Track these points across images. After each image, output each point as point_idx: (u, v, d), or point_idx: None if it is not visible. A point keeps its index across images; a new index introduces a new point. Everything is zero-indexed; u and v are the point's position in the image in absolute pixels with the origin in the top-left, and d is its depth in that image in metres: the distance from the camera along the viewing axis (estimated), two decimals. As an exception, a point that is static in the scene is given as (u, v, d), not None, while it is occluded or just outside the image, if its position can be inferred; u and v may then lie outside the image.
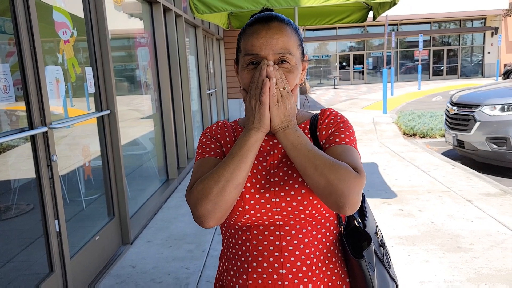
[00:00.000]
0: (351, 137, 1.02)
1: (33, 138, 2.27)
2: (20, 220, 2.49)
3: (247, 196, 0.97)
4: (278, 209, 0.97)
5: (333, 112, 1.07)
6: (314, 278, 0.99)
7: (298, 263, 0.98)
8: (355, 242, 1.04)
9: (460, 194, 4.38)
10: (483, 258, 2.96)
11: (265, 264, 0.98)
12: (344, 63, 28.53)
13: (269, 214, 0.97)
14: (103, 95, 3.19)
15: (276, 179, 0.99)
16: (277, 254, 0.97)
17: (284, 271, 0.97)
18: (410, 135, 8.05)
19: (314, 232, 1.00)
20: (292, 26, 1.00)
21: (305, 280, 0.98)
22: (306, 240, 0.99)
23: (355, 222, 1.06)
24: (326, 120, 1.05)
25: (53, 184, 2.39)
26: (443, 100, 14.40)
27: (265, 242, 0.98)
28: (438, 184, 4.78)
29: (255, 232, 0.99)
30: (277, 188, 0.98)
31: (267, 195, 0.97)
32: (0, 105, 2.13)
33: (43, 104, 2.31)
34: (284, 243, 0.97)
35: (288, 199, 0.96)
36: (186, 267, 2.99)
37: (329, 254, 1.03)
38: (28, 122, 2.26)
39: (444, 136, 7.79)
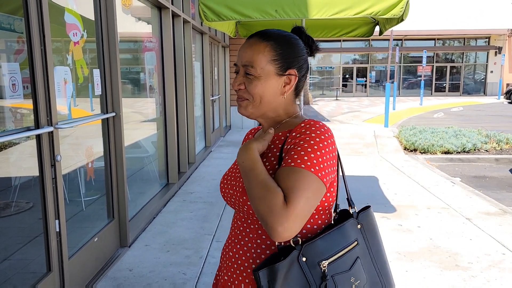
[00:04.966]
0: (306, 158, 0.96)
1: (38, 137, 2.29)
2: (19, 218, 2.49)
3: (221, 185, 1.17)
4: (233, 200, 1.10)
5: (307, 126, 1.03)
6: (249, 270, 1.07)
7: (245, 248, 1.09)
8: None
9: (460, 211, 4.38)
10: (481, 277, 2.95)
11: (232, 238, 1.14)
12: (347, 75, 28.65)
13: (231, 203, 1.12)
14: (109, 97, 3.21)
15: (238, 174, 1.12)
16: (240, 237, 1.11)
17: (231, 254, 1.12)
18: (411, 150, 8.07)
19: (260, 232, 1.07)
20: (272, 42, 1.08)
21: (237, 272, 1.08)
22: (255, 235, 1.07)
23: (291, 241, 0.99)
24: (294, 134, 1.04)
25: (55, 183, 2.40)
26: (445, 117, 14.45)
27: (236, 224, 1.14)
28: (437, 200, 4.78)
29: (235, 214, 1.17)
30: (234, 183, 1.11)
31: (229, 187, 1.13)
32: (8, 102, 2.15)
33: (50, 104, 2.33)
34: (241, 228, 1.11)
35: (238, 194, 1.08)
36: (183, 273, 2.99)
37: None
38: (34, 121, 2.27)
39: (445, 153, 7.81)
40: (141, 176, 4.50)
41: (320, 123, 1.04)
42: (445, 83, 28.36)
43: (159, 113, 4.90)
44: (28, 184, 2.46)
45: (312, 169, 0.95)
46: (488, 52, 27.69)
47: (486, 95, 27.60)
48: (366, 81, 28.48)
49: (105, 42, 3.14)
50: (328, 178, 0.99)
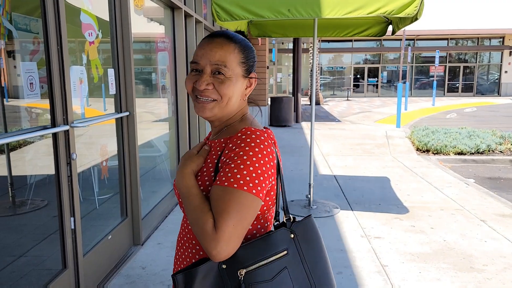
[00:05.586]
0: (239, 176, 0.97)
1: (55, 136, 2.32)
2: (34, 215, 2.52)
3: (174, 185, 1.16)
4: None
5: (242, 137, 1.02)
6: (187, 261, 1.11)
7: (184, 247, 1.12)
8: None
9: (474, 213, 4.32)
10: (496, 280, 2.91)
11: (178, 237, 1.17)
12: (358, 76, 28.49)
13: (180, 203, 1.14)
14: (123, 97, 3.24)
15: None
16: (182, 235, 1.14)
17: (178, 248, 1.15)
18: (423, 151, 7.99)
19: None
20: (239, 45, 1.09)
21: (186, 261, 1.11)
22: (191, 236, 1.09)
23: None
24: (230, 145, 1.03)
25: (71, 182, 2.43)
26: (458, 118, 14.27)
27: (182, 221, 1.16)
28: (451, 202, 4.72)
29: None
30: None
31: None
32: (26, 101, 2.18)
33: (67, 103, 2.36)
34: (183, 227, 1.14)
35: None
36: (196, 272, 3.00)
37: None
38: (51, 119, 2.31)
39: (458, 153, 7.72)
40: (153, 175, 4.53)
41: (257, 132, 1.03)
42: (458, 83, 28.02)
43: (171, 112, 4.93)
44: (43, 182, 2.50)
45: (245, 187, 0.95)
46: (502, 52, 27.29)
47: (500, 96, 27.20)
48: (377, 81, 28.28)
49: (119, 42, 3.17)
50: (264, 191, 1.00)
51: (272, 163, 1.02)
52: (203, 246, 0.94)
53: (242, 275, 0.96)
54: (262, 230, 1.08)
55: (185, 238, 1.11)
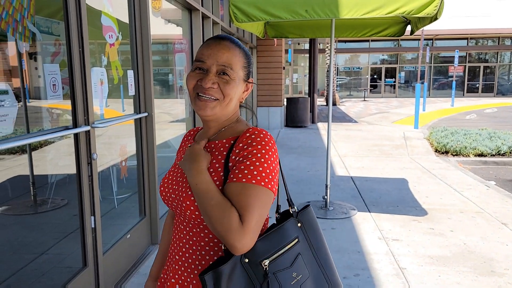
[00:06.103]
0: (256, 172, 1.01)
1: (76, 136, 2.36)
2: (55, 214, 2.58)
3: (162, 188, 1.19)
4: (175, 204, 1.14)
5: (252, 136, 1.07)
6: (196, 272, 1.10)
7: (190, 251, 1.11)
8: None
9: (495, 216, 4.24)
10: (518, 284, 2.85)
11: (177, 242, 1.16)
12: (375, 76, 28.19)
13: (173, 207, 1.15)
14: (142, 98, 3.28)
15: (180, 179, 1.15)
16: (184, 240, 1.13)
17: (177, 257, 1.15)
18: (442, 153, 7.86)
19: (202, 235, 1.10)
20: (243, 50, 1.15)
21: (185, 274, 1.11)
22: (198, 238, 1.10)
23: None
24: (241, 144, 1.07)
25: (91, 181, 2.47)
26: (477, 119, 13.99)
27: (179, 228, 1.16)
28: (471, 204, 4.64)
29: (176, 218, 1.18)
30: (176, 187, 1.14)
31: (170, 191, 1.15)
32: (49, 102, 2.23)
33: (87, 104, 2.41)
34: (185, 232, 1.13)
35: (181, 199, 1.10)
36: (213, 272, 3.02)
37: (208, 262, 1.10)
38: (72, 120, 2.35)
39: (478, 155, 7.56)
40: (170, 175, 4.57)
41: (263, 132, 1.08)
42: (478, 83, 27.46)
43: (189, 113, 4.97)
44: (63, 181, 2.55)
45: (263, 183, 1.01)
46: (524, 52, 26.64)
47: (521, 96, 26.56)
48: (395, 81, 27.93)
49: (138, 44, 3.22)
50: (276, 186, 1.06)
51: (277, 160, 1.08)
52: (227, 240, 0.95)
53: (266, 265, 1.02)
54: (265, 222, 1.14)
55: (190, 242, 1.11)
